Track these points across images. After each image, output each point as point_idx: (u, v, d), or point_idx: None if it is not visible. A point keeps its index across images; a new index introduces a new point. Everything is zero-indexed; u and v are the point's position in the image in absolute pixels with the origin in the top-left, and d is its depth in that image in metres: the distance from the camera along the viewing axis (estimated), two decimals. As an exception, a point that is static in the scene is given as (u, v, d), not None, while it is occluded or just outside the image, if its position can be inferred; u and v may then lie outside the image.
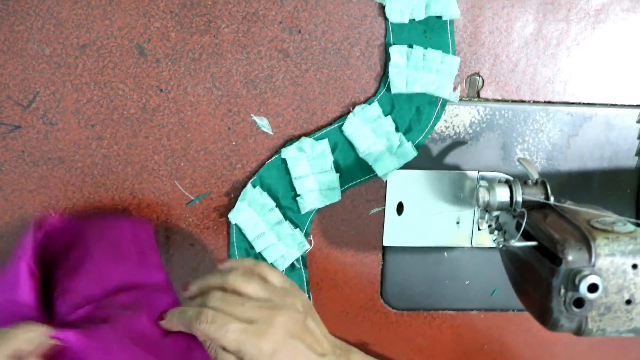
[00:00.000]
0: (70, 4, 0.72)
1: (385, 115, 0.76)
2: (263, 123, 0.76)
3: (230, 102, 0.75)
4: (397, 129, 0.77)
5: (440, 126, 0.78)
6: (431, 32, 0.75)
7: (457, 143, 0.79)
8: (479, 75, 0.78)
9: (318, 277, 0.81)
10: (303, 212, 0.77)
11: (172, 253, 0.78)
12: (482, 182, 0.79)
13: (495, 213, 0.73)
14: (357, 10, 0.74)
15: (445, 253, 0.82)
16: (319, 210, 0.79)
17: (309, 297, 0.80)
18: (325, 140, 0.76)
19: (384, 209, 0.79)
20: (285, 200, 0.77)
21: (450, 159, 0.79)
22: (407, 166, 0.78)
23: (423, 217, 0.80)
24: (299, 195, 0.77)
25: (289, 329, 0.59)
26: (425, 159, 0.79)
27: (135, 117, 0.74)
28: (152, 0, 0.72)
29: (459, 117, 0.78)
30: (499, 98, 0.79)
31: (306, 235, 0.78)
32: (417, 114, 0.76)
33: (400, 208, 0.80)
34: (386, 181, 0.78)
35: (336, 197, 0.77)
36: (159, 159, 0.76)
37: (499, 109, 0.79)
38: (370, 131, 0.76)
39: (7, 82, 0.72)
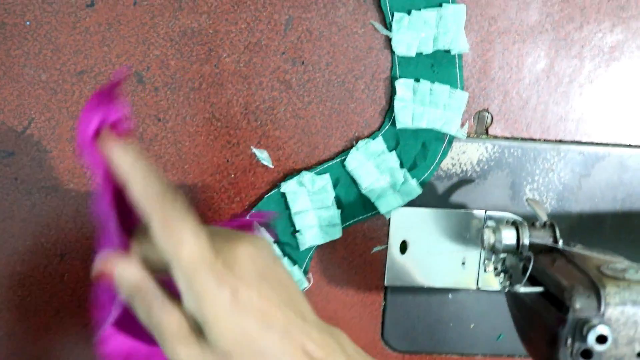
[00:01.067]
0: (68, 30, 0.71)
1: (390, 151, 0.74)
2: (263, 156, 0.74)
3: (230, 134, 0.74)
4: (401, 165, 0.75)
5: (446, 163, 0.76)
6: (439, 66, 0.73)
7: (464, 181, 0.77)
8: (488, 112, 0.76)
9: (317, 315, 0.79)
10: (302, 248, 0.75)
11: (166, 287, 0.77)
12: (489, 223, 0.77)
13: (502, 255, 0.71)
14: (363, 43, 0.73)
15: (449, 294, 0.80)
16: (319, 248, 0.77)
17: None
18: (327, 175, 0.74)
19: (387, 247, 0.77)
20: (284, 236, 0.75)
21: (456, 197, 0.77)
22: (411, 204, 0.76)
23: (427, 256, 0.78)
24: (298, 231, 0.75)
25: (258, 268, 0.46)
26: (431, 197, 0.77)
27: (131, 146, 0.73)
28: (151, 28, 0.71)
29: (466, 155, 0.76)
30: (509, 136, 0.77)
31: (305, 272, 0.76)
32: (423, 151, 0.75)
33: (403, 247, 0.78)
34: (389, 219, 0.77)
35: (337, 234, 0.75)
36: (155, 190, 0.74)
37: (508, 147, 0.77)
38: (374, 167, 0.74)
39: (1, 107, 0.71)
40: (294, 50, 0.73)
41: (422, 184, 0.75)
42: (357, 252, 0.78)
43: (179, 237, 0.45)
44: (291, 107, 0.74)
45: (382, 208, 0.75)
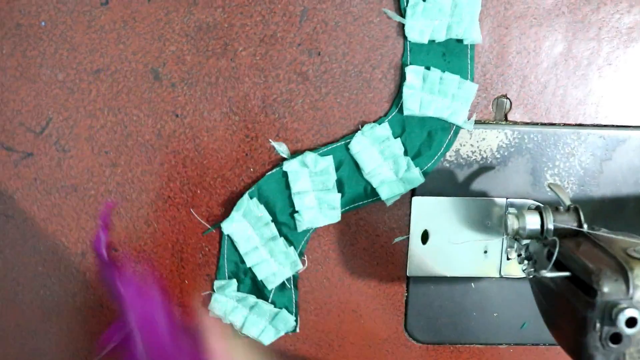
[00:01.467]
0: (83, 29, 0.71)
1: (395, 138, 0.74)
2: (282, 149, 0.74)
3: (248, 128, 0.74)
4: (405, 153, 0.74)
5: (466, 151, 0.76)
6: (451, 55, 0.73)
7: (484, 168, 0.77)
8: (507, 98, 0.76)
9: (339, 308, 0.79)
10: (300, 230, 0.75)
11: (187, 283, 0.77)
12: (511, 209, 0.76)
13: (525, 242, 0.71)
14: (379, 31, 0.73)
15: (472, 284, 0.79)
16: (339, 239, 0.77)
17: (296, 320, 0.78)
18: (330, 157, 0.74)
19: (408, 237, 0.77)
20: (283, 215, 0.75)
21: (477, 185, 0.77)
22: (432, 193, 0.76)
23: (449, 246, 0.77)
24: (297, 212, 0.74)
25: None
26: (451, 185, 0.77)
27: (150, 143, 0.73)
28: (167, 24, 0.71)
29: (485, 142, 0.76)
30: (528, 121, 0.77)
31: (301, 254, 0.76)
32: (428, 140, 0.74)
33: (425, 237, 0.77)
34: (410, 208, 0.76)
35: (336, 217, 0.75)
36: (175, 187, 0.75)
37: (527, 133, 0.76)
38: (378, 152, 0.74)
39: (19, 108, 0.72)
40: (310, 41, 0.73)
41: (425, 174, 0.75)
42: (379, 243, 0.77)
43: None
44: (309, 99, 0.74)
45: (384, 194, 0.74)
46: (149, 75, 0.72)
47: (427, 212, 0.77)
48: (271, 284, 0.76)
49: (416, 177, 0.74)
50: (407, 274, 0.78)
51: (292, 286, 0.77)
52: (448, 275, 0.78)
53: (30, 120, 0.72)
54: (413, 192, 0.76)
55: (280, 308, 0.76)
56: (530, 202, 0.77)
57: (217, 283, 0.76)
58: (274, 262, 0.75)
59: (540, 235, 0.66)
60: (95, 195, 0.74)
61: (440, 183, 0.76)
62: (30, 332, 0.76)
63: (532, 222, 0.66)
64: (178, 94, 0.73)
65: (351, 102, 0.74)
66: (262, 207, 0.74)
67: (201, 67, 0.72)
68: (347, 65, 0.73)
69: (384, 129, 0.74)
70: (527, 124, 0.77)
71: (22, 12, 0.70)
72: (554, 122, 0.77)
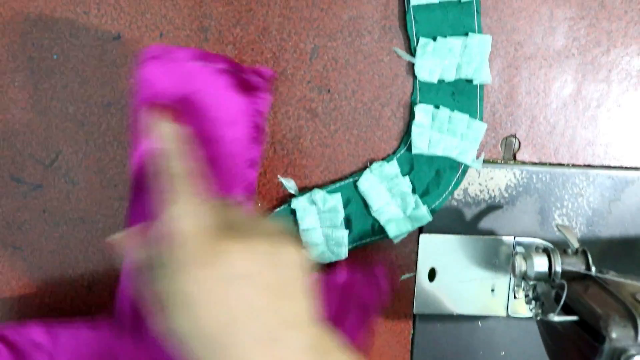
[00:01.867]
0: (95, 62, 0.72)
1: (403, 176, 0.74)
2: (290, 185, 0.75)
3: (257, 163, 0.74)
4: (413, 191, 0.75)
5: (474, 189, 0.76)
6: (460, 95, 0.73)
7: (492, 207, 0.77)
8: (516, 137, 0.76)
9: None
10: None
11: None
12: (518, 249, 0.76)
13: (533, 282, 0.71)
14: (389, 70, 0.74)
15: (479, 322, 0.79)
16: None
17: None
18: (338, 195, 0.74)
19: (415, 274, 0.77)
20: None
21: (485, 223, 0.77)
22: (439, 230, 0.76)
23: (456, 283, 0.77)
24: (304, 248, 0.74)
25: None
26: (459, 224, 0.77)
27: (158, 177, 0.74)
28: (178, 59, 0.72)
29: (494, 181, 0.76)
30: (537, 161, 0.77)
31: None
32: (436, 178, 0.75)
33: (432, 274, 0.77)
34: (418, 246, 0.76)
35: (343, 254, 0.75)
36: (182, 221, 0.75)
37: (536, 173, 0.77)
38: (386, 190, 0.74)
39: (29, 140, 0.72)
40: (319, 78, 0.73)
41: (433, 212, 0.75)
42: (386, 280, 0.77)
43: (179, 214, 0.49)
44: (317, 136, 0.74)
45: (391, 232, 0.75)
46: (160, 110, 0.73)
47: (435, 249, 0.77)
48: None
49: (424, 215, 0.75)
50: (414, 312, 0.78)
51: None
52: (455, 313, 0.78)
53: (40, 152, 0.73)
54: (420, 230, 0.77)
55: None
56: (538, 241, 0.77)
57: None
58: None
59: (548, 277, 0.66)
60: (102, 228, 0.74)
61: (448, 221, 0.76)
62: (35, 365, 0.76)
63: (540, 264, 0.66)
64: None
65: (360, 139, 0.75)
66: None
67: (211, 102, 0.73)
68: (356, 102, 0.74)
69: (392, 167, 0.74)
70: (535, 164, 0.77)
71: (35, 45, 0.71)
72: (562, 162, 0.77)
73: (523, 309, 0.78)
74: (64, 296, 0.75)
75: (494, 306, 0.78)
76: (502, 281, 0.78)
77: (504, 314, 0.79)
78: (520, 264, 0.67)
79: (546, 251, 0.67)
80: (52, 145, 0.73)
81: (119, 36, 0.71)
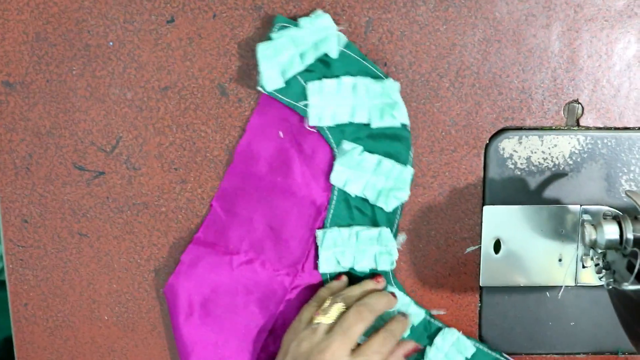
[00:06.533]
0: (150, 47, 0.73)
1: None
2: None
3: (316, 141, 0.76)
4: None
5: (538, 158, 0.76)
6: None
7: (557, 175, 0.77)
8: (578, 103, 0.76)
9: (411, 320, 0.80)
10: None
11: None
12: (586, 217, 0.77)
13: (602, 250, 0.71)
14: (446, 40, 0.74)
15: (547, 293, 0.80)
16: (410, 252, 0.78)
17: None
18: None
19: (480, 247, 0.78)
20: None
21: (549, 192, 0.77)
22: (503, 201, 0.77)
23: (522, 254, 0.78)
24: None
25: None
26: (523, 193, 0.77)
27: (218, 159, 0.76)
28: (232, 39, 0.74)
29: (557, 148, 0.76)
30: (601, 126, 0.77)
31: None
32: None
33: (497, 246, 0.78)
34: (481, 218, 0.77)
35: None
36: (244, 201, 0.77)
37: (601, 138, 0.76)
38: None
39: (90, 128, 0.75)
40: (375, 51, 0.74)
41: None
42: (450, 253, 0.78)
43: None
44: (376, 110, 0.75)
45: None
46: (216, 91, 0.74)
47: (499, 221, 0.77)
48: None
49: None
50: (480, 284, 0.79)
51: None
52: (522, 285, 0.79)
53: (101, 139, 0.75)
54: (484, 201, 0.77)
55: None
56: (605, 208, 0.77)
57: None
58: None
59: (619, 245, 0.66)
60: (166, 212, 0.77)
61: (512, 191, 0.77)
62: (108, 349, 0.80)
63: (611, 232, 0.67)
64: (245, 109, 0.75)
65: (419, 112, 0.75)
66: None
67: (268, 81, 0.74)
68: (413, 74, 0.75)
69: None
70: (600, 128, 0.77)
71: (91, 32, 0.73)
72: (628, 126, 0.77)
73: (592, 277, 0.79)
74: (131, 281, 0.78)
75: (562, 276, 0.79)
76: (569, 250, 0.78)
77: (572, 283, 0.79)
78: (590, 233, 0.68)
79: (616, 218, 0.67)
80: (112, 131, 0.75)
81: (173, 19, 0.73)
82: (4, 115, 0.74)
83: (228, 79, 0.74)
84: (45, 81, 0.74)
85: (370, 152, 0.74)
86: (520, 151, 0.76)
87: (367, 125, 0.74)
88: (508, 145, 0.76)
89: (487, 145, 0.76)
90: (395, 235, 0.77)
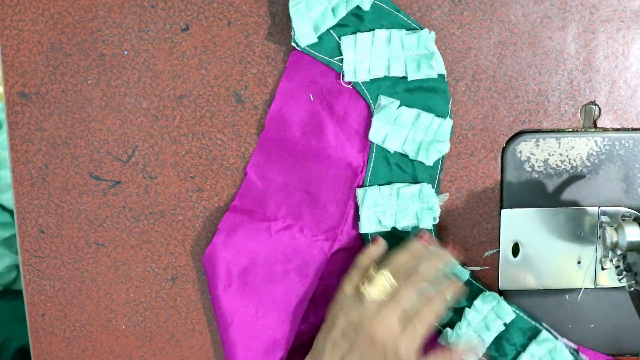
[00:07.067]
0: (165, 56, 0.73)
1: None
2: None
3: (332, 147, 0.76)
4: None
5: (555, 160, 0.76)
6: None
7: (574, 177, 0.77)
8: (595, 104, 0.76)
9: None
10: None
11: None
12: (604, 218, 0.76)
13: (622, 252, 0.71)
14: (461, 44, 0.74)
15: (566, 295, 0.80)
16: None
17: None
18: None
19: (498, 250, 0.78)
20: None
21: (567, 194, 0.77)
22: (521, 204, 0.77)
23: (541, 257, 0.78)
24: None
25: None
26: (541, 196, 0.77)
27: (234, 166, 0.76)
28: (247, 46, 0.74)
29: (575, 150, 0.76)
30: (618, 127, 0.77)
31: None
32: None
33: (515, 249, 0.78)
34: (499, 221, 0.77)
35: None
36: (261, 209, 0.77)
37: (618, 139, 0.76)
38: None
39: (106, 137, 0.75)
40: (391, 57, 0.74)
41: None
42: (468, 257, 0.78)
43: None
44: (392, 115, 0.75)
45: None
46: (232, 99, 0.74)
47: (517, 224, 0.77)
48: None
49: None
50: (499, 288, 0.79)
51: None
52: (541, 288, 0.79)
53: (117, 148, 0.75)
54: (502, 205, 0.77)
55: None
56: (624, 209, 0.77)
57: None
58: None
59: (641, 247, 0.66)
60: (182, 221, 0.77)
61: (530, 194, 0.77)
62: (126, 358, 0.80)
63: (632, 233, 0.66)
64: (261, 116, 0.75)
65: (435, 116, 0.75)
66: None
67: (283, 88, 0.74)
68: (429, 78, 0.74)
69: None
70: (617, 130, 0.77)
71: (105, 42, 0.73)
72: (646, 126, 0.77)
73: (611, 280, 0.78)
74: (148, 290, 0.78)
75: (581, 278, 0.79)
76: (588, 252, 0.78)
77: (591, 285, 0.79)
78: (611, 235, 0.68)
79: (637, 220, 0.67)
80: (128, 141, 0.75)
81: (187, 27, 0.73)
82: (19, 126, 0.74)
83: (243, 86, 0.74)
84: (60, 91, 0.74)
85: (408, 106, 0.74)
86: (538, 154, 0.76)
87: (404, 78, 0.73)
88: (525, 148, 0.76)
89: (504, 149, 0.76)
90: (437, 191, 0.76)
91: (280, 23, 0.73)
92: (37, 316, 0.79)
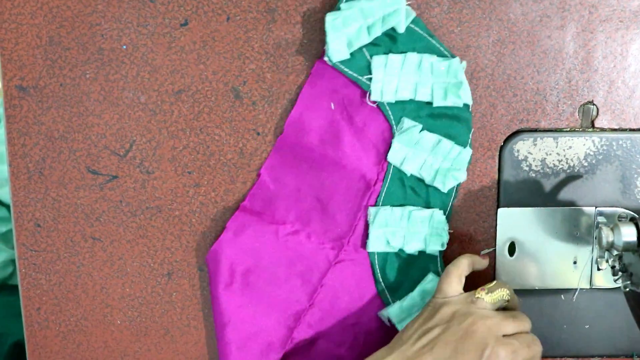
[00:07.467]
0: (164, 50, 0.73)
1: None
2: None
3: (330, 143, 0.76)
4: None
5: (552, 160, 0.76)
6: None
7: (572, 177, 0.77)
8: (593, 104, 0.76)
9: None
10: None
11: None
12: (600, 219, 0.76)
13: (619, 253, 0.71)
14: (460, 41, 0.74)
15: (562, 295, 0.80)
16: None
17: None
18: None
19: (495, 249, 0.78)
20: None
21: (564, 194, 0.77)
22: (518, 204, 0.77)
23: (537, 257, 0.78)
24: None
25: None
26: (538, 195, 0.77)
27: (232, 162, 0.76)
28: (246, 42, 0.74)
29: (572, 150, 0.76)
30: (616, 127, 0.77)
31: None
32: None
33: (512, 248, 0.78)
34: (496, 220, 0.77)
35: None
36: (257, 205, 0.77)
37: (616, 139, 0.76)
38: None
39: (103, 132, 0.75)
40: (389, 54, 0.74)
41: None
42: (465, 256, 0.78)
43: None
44: (390, 113, 0.75)
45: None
46: (230, 94, 0.74)
47: (514, 223, 0.77)
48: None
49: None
50: (495, 287, 0.79)
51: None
52: (537, 287, 0.79)
53: (115, 143, 0.75)
54: (498, 204, 0.77)
55: None
56: (620, 210, 0.77)
57: None
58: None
59: (637, 247, 0.66)
60: (179, 216, 0.77)
61: (527, 193, 0.77)
62: (120, 353, 0.79)
63: (628, 234, 0.66)
64: (259, 112, 0.75)
65: (433, 114, 0.75)
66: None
67: (281, 84, 0.74)
68: (428, 77, 0.75)
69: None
70: (615, 130, 0.77)
71: (104, 36, 0.73)
72: (643, 127, 0.77)
73: (607, 280, 0.78)
74: (144, 285, 0.78)
75: (577, 278, 0.79)
76: (584, 253, 0.78)
77: (587, 286, 0.79)
78: (607, 235, 0.68)
79: (633, 220, 0.67)
80: (126, 135, 0.75)
81: (186, 22, 0.73)
82: (17, 120, 0.74)
83: (242, 82, 0.74)
84: (58, 85, 0.74)
85: (429, 131, 0.74)
86: (535, 153, 0.76)
87: (429, 103, 0.74)
88: (523, 147, 0.76)
89: (501, 147, 0.76)
90: (448, 219, 0.76)
91: (280, 19, 0.73)
92: (32, 310, 0.79)
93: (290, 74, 0.74)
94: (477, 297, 0.69)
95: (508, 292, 0.70)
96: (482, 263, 0.75)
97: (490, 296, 0.69)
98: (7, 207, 1.31)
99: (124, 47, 0.73)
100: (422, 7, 0.73)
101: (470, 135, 0.75)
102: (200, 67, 0.74)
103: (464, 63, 0.73)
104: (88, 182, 0.76)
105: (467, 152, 0.74)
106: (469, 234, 0.78)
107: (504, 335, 0.66)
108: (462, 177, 0.74)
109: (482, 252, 0.78)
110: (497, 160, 0.77)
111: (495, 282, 0.71)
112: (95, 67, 0.74)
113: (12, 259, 1.30)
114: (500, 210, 0.77)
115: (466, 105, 0.74)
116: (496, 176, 0.77)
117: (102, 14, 0.72)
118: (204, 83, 0.74)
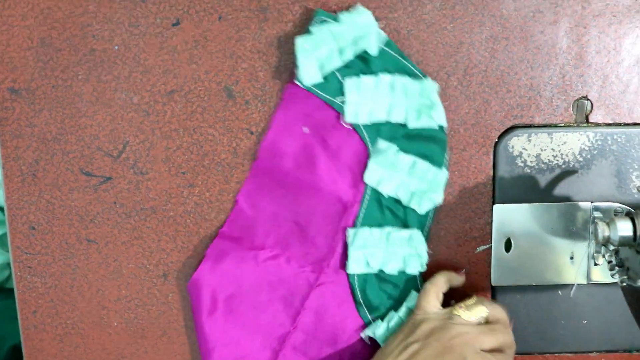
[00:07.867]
0: (156, 50, 0.73)
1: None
2: (358, 162, 0.75)
3: (324, 142, 0.75)
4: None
5: (547, 155, 0.76)
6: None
7: (567, 172, 0.77)
8: (587, 99, 0.76)
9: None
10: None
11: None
12: (596, 214, 0.76)
13: (615, 247, 0.71)
14: (453, 38, 0.74)
15: (559, 291, 0.80)
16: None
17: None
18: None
19: (491, 246, 0.78)
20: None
21: (559, 190, 0.77)
22: (513, 200, 0.76)
23: (533, 253, 0.78)
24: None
25: None
26: (533, 192, 0.77)
27: (226, 162, 0.75)
28: (238, 41, 0.73)
29: (567, 145, 0.76)
30: (610, 122, 0.76)
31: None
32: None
33: (508, 245, 0.78)
34: (492, 217, 0.77)
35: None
36: (252, 204, 0.77)
37: (610, 134, 0.76)
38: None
39: (96, 133, 0.74)
40: (382, 52, 0.74)
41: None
42: (461, 253, 0.78)
43: None
44: (384, 110, 0.75)
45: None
46: (223, 94, 0.74)
47: (509, 219, 0.77)
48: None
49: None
50: (492, 284, 0.78)
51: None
52: (534, 283, 0.79)
53: (108, 144, 0.75)
54: (494, 200, 0.77)
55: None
56: (616, 205, 0.77)
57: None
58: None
59: (633, 241, 0.66)
60: (174, 217, 0.76)
61: (522, 189, 0.77)
62: (117, 355, 0.79)
63: (624, 228, 0.66)
64: (252, 111, 0.75)
65: (427, 111, 0.75)
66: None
67: (274, 83, 0.74)
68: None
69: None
70: (609, 124, 0.76)
71: (96, 37, 0.73)
72: (638, 121, 0.76)
73: (603, 275, 0.78)
74: (140, 286, 0.78)
75: (574, 274, 0.78)
76: (581, 248, 0.78)
77: (584, 281, 0.79)
78: (603, 230, 0.67)
79: (629, 215, 0.67)
80: (119, 136, 0.75)
81: (178, 22, 0.73)
82: (9, 122, 0.74)
83: (234, 81, 0.74)
84: (50, 87, 0.73)
85: (405, 152, 0.74)
86: (530, 149, 0.76)
87: (404, 125, 0.74)
88: (517, 143, 0.76)
89: (496, 144, 0.76)
90: (426, 239, 0.76)
91: (272, 17, 0.73)
92: (28, 313, 0.79)
93: (283, 72, 0.74)
94: (455, 314, 0.70)
95: (486, 309, 0.71)
96: (458, 280, 0.76)
97: (468, 313, 0.70)
98: (2, 209, 1.31)
99: (116, 47, 0.73)
100: (415, 4, 0.73)
101: (446, 155, 0.75)
102: (192, 66, 0.74)
103: (436, 84, 0.72)
104: (82, 184, 0.75)
105: (443, 173, 0.74)
106: (465, 230, 0.78)
107: (483, 350, 0.67)
108: (438, 199, 0.74)
109: (478, 249, 0.78)
110: (491, 157, 0.76)
111: (473, 298, 0.72)
112: (87, 68, 0.73)
113: (8, 262, 1.30)
114: (495, 206, 0.77)
115: (441, 127, 0.73)
116: (491, 172, 0.77)
117: (94, 15, 0.72)
118: (197, 83, 0.74)
